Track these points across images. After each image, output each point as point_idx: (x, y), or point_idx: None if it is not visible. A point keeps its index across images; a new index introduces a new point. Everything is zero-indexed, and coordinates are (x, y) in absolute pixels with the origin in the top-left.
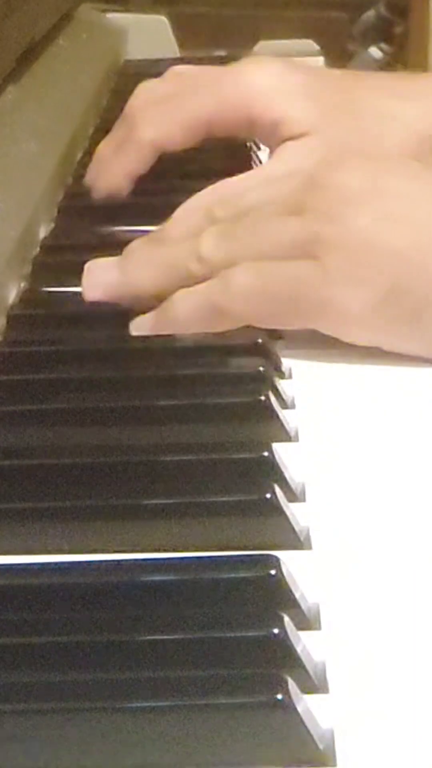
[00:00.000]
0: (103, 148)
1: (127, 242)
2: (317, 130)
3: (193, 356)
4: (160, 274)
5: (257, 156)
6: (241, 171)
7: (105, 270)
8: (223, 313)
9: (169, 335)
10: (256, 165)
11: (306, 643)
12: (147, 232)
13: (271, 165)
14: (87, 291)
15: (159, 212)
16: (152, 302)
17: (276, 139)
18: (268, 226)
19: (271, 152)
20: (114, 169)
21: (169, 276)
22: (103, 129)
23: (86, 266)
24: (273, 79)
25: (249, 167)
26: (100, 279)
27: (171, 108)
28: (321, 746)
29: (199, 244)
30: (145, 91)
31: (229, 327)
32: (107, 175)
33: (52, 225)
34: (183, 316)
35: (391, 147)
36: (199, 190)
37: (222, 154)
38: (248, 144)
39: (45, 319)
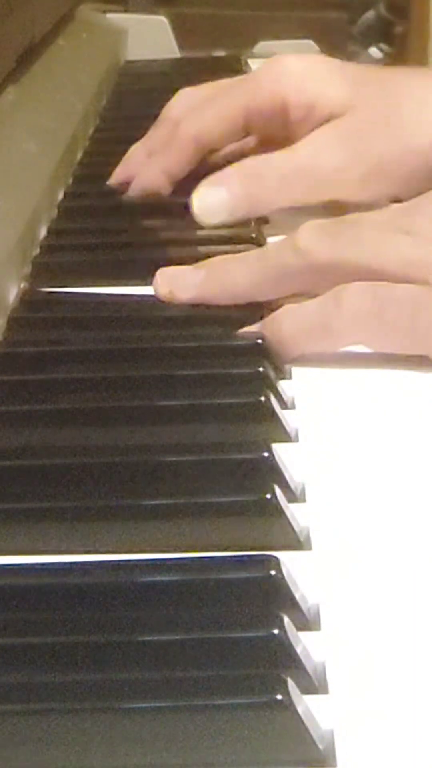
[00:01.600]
0: (136, 150)
1: (126, 242)
2: (350, 111)
3: (193, 356)
4: (255, 268)
5: None
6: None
7: (193, 272)
8: (333, 333)
9: (168, 334)
10: None
11: (306, 644)
12: (146, 231)
13: None
14: (178, 293)
15: (159, 212)
16: (247, 300)
17: (310, 123)
18: (376, 238)
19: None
20: (154, 168)
21: (265, 270)
22: (103, 129)
23: (167, 271)
24: (305, 64)
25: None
26: (189, 280)
27: (211, 105)
28: (321, 746)
29: (296, 236)
30: (184, 96)
31: (336, 348)
32: (148, 173)
33: (52, 225)
34: (289, 333)
35: (429, 133)
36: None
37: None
38: None
39: (45, 319)
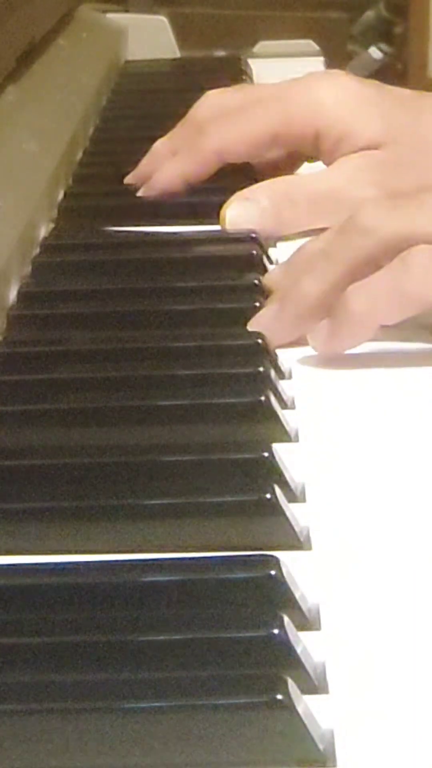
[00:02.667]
0: (161, 147)
1: (127, 242)
2: (382, 146)
3: (193, 356)
4: (327, 272)
5: None
6: (240, 171)
7: (269, 311)
8: (409, 297)
9: (168, 334)
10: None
11: (306, 644)
12: (146, 231)
13: None
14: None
15: (158, 212)
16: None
17: (340, 153)
18: None
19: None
20: (173, 171)
21: (336, 267)
22: (103, 129)
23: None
24: (340, 94)
25: (249, 167)
26: (270, 320)
27: (238, 120)
28: (321, 746)
29: (359, 218)
30: (212, 99)
31: (412, 313)
32: (166, 175)
33: (52, 225)
34: (363, 310)
35: None
36: (197, 190)
37: None
38: None
39: (45, 319)
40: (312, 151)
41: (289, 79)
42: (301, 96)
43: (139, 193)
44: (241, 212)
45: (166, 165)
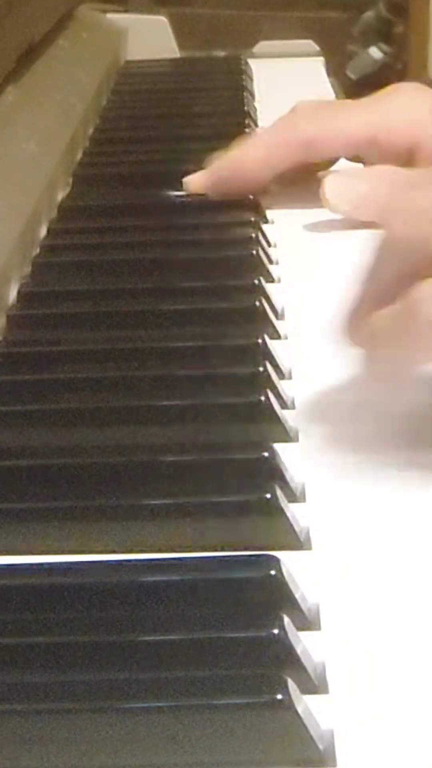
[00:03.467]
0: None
1: (126, 242)
2: None
3: (193, 356)
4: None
5: None
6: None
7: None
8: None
9: (168, 334)
10: None
11: (306, 644)
12: (144, 232)
13: None
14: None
15: (158, 212)
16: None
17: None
18: None
19: None
20: (258, 152)
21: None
22: (103, 129)
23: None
24: None
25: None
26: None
27: (337, 115)
28: (321, 746)
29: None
30: (308, 104)
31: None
32: (250, 156)
33: (52, 225)
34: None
35: None
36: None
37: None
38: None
39: (45, 319)
40: (401, 164)
41: (387, 90)
42: (403, 108)
43: (221, 171)
44: (348, 188)
45: (252, 147)
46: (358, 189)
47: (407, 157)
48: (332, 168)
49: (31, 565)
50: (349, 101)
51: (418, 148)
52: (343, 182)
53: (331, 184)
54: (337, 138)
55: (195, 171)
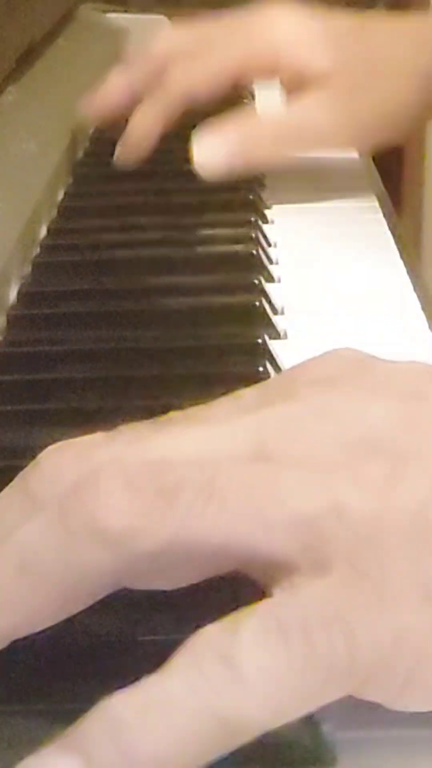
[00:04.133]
0: (118, 79)
1: (126, 242)
2: (337, 74)
3: (193, 356)
4: None
5: None
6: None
7: None
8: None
9: (168, 334)
10: None
11: None
12: (144, 232)
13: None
14: None
15: (158, 211)
16: None
17: (298, 84)
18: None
19: (289, 93)
20: (148, 118)
21: None
22: (104, 129)
23: None
24: (297, 29)
25: None
26: None
27: (202, 61)
28: (321, 746)
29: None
30: (169, 37)
31: None
32: (143, 122)
33: (52, 225)
34: None
35: (407, 92)
36: (198, 191)
37: None
38: None
39: (45, 319)
40: (270, 79)
41: (242, 17)
42: (259, 34)
43: (117, 155)
44: (209, 148)
45: (140, 113)
46: (227, 148)
47: (271, 77)
48: None
49: None
50: (208, 29)
51: (280, 71)
52: (210, 141)
53: (199, 146)
54: (205, 82)
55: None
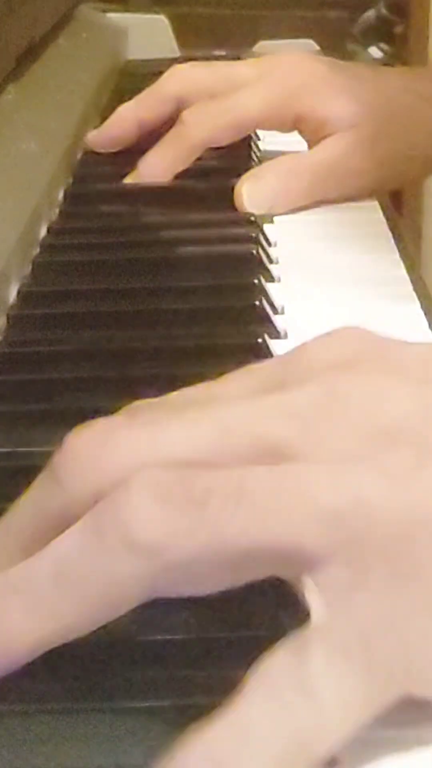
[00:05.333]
0: (128, 113)
1: (126, 242)
2: (359, 125)
3: (193, 356)
4: None
5: (257, 146)
6: (241, 171)
7: None
8: None
9: (168, 334)
10: (255, 163)
11: None
12: (144, 232)
13: None
14: None
15: (157, 211)
16: None
17: (319, 134)
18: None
19: (310, 145)
20: (161, 164)
21: None
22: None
23: None
24: (317, 81)
25: (249, 166)
26: None
27: (223, 112)
28: None
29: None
30: (184, 75)
31: None
32: (154, 167)
33: (52, 225)
34: None
35: (421, 140)
36: (197, 190)
37: (222, 152)
38: (249, 143)
39: (45, 319)
40: (292, 130)
41: (260, 61)
42: (281, 86)
43: (126, 181)
44: (254, 191)
45: (153, 156)
46: (272, 188)
47: (293, 127)
48: None
49: None
50: (227, 72)
51: (300, 122)
52: (256, 185)
53: (247, 189)
54: (227, 133)
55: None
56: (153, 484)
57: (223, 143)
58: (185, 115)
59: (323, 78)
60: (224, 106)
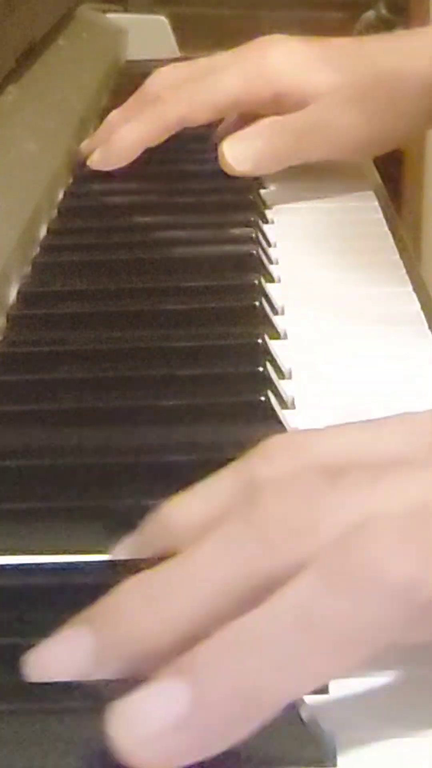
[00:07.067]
0: (116, 117)
1: (126, 242)
2: (342, 88)
3: (193, 356)
4: None
5: None
6: None
7: None
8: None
9: (168, 334)
10: None
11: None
12: (144, 232)
13: None
14: None
15: (157, 211)
16: None
17: (300, 106)
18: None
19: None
20: (132, 134)
21: None
22: None
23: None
24: (293, 54)
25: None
26: None
27: (200, 88)
28: (321, 746)
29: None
30: (165, 73)
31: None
32: (125, 137)
33: (52, 225)
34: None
35: (412, 99)
36: (198, 190)
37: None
38: None
39: (45, 319)
40: (271, 112)
41: (240, 48)
42: (257, 63)
43: (95, 156)
44: (239, 151)
45: (125, 128)
46: (255, 146)
47: (274, 106)
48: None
49: (32, 565)
50: (206, 62)
51: (282, 98)
52: (239, 143)
53: (229, 147)
54: (204, 110)
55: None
56: (392, 525)
57: (200, 122)
58: (162, 90)
59: (301, 52)
60: (202, 85)
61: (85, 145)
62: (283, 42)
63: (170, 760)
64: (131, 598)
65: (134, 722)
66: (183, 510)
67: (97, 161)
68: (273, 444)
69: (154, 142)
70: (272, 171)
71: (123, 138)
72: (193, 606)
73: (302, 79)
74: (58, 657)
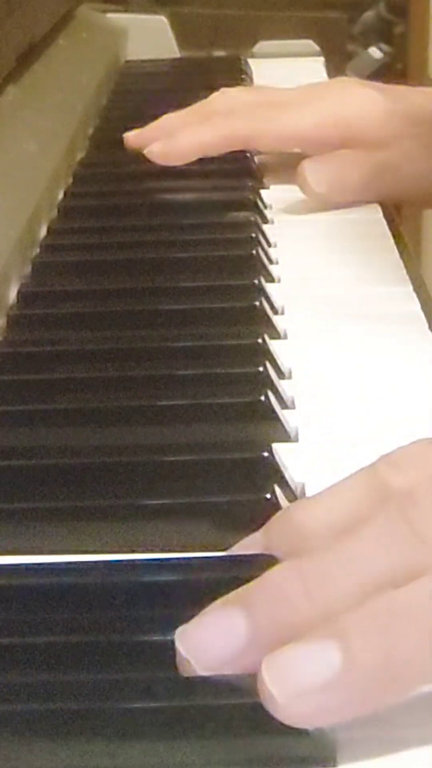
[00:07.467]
0: (173, 119)
1: (126, 242)
2: (418, 135)
3: (193, 356)
4: None
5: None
6: (241, 172)
7: None
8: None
9: (168, 334)
10: (255, 165)
11: None
12: (144, 232)
13: None
14: None
15: (158, 211)
16: None
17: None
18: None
19: None
20: (194, 137)
21: None
22: (103, 129)
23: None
24: (369, 103)
25: (249, 167)
26: None
27: (272, 116)
28: (321, 746)
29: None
30: (231, 93)
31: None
32: (187, 139)
33: (52, 225)
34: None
35: None
36: (198, 191)
37: (222, 156)
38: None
39: (45, 319)
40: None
41: (314, 86)
42: (333, 108)
43: (155, 148)
44: (320, 174)
45: (192, 129)
46: (334, 172)
47: (335, 147)
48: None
49: (31, 565)
50: (278, 93)
51: (352, 142)
52: (321, 166)
53: (310, 167)
54: (270, 138)
55: None
56: None
57: (261, 149)
58: (233, 112)
59: (375, 101)
60: (275, 114)
61: (133, 136)
62: (358, 88)
63: (315, 717)
64: (292, 586)
65: (288, 676)
66: (312, 512)
67: (156, 153)
68: (403, 454)
69: (213, 153)
70: (342, 201)
71: (189, 139)
72: (352, 595)
73: (373, 127)
74: (210, 638)
